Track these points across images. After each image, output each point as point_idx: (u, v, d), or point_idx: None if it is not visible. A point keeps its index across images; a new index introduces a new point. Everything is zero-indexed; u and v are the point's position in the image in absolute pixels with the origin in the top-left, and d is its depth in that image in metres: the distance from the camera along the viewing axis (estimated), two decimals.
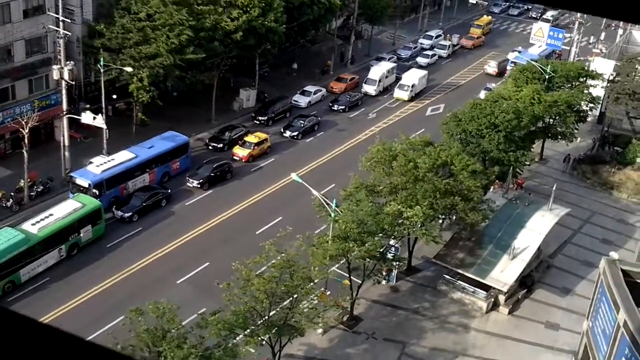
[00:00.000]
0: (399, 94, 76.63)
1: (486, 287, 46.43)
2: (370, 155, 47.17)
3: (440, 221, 50.15)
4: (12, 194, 51.86)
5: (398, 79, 79.82)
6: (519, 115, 53.25)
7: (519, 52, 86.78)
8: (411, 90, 76.36)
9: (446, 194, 44.81)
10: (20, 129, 50.33)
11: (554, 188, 52.21)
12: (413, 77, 77.79)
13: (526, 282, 48.78)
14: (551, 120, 61.69)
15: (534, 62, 66.18)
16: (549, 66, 64.27)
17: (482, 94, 70.29)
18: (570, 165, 64.28)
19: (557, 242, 53.66)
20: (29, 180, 52.23)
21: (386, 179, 46.34)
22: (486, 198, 48.63)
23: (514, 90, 59.37)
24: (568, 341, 44.23)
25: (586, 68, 67.98)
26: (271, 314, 36.75)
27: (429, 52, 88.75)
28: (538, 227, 48.65)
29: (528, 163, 56.04)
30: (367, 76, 77.85)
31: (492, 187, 52.77)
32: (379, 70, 78.10)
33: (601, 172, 64.34)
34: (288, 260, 36.88)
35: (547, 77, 63.23)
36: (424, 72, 79.46)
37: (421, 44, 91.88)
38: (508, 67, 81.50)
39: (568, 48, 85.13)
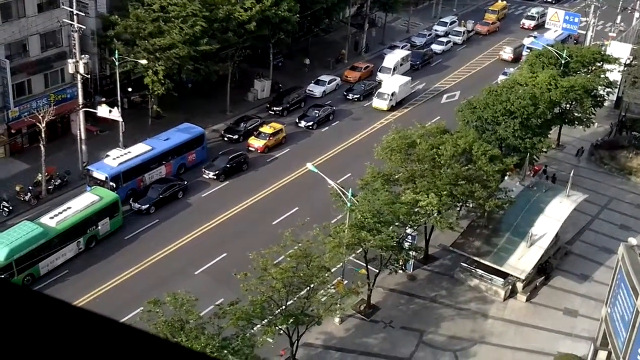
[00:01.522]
0: (378, 103, 70.36)
1: (504, 275, 46.31)
2: (386, 144, 47.08)
3: (458, 209, 50.06)
4: (30, 188, 52.27)
5: (413, 66, 79.51)
6: (535, 101, 52.89)
7: (535, 37, 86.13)
8: (391, 99, 70.31)
9: (466, 180, 44.69)
10: (37, 123, 50.68)
11: (572, 174, 51.87)
12: (393, 84, 71.57)
13: (544, 269, 48.60)
14: (568, 105, 61.23)
15: (549, 47, 65.63)
16: (565, 51, 63.73)
17: (500, 79, 69.91)
18: (582, 157, 63.30)
19: (575, 229, 53.38)
20: (46, 174, 52.60)
21: (403, 167, 46.28)
22: (503, 186, 48.43)
23: (530, 76, 58.95)
24: (587, 328, 44.08)
25: (602, 52, 67.34)
26: (288, 303, 36.88)
27: (444, 39, 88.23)
28: (556, 213, 48.39)
29: (545, 150, 55.72)
30: (381, 64, 77.55)
31: (508, 173, 52.51)
32: (393, 58, 77.74)
33: (619, 157, 63.81)
34: (305, 249, 36.99)
35: (563, 62, 62.71)
36: (406, 79, 73.11)
37: (435, 30, 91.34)
38: (524, 53, 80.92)
39: (584, 32, 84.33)
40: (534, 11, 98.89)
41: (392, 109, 70.21)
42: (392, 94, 70.47)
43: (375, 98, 70.87)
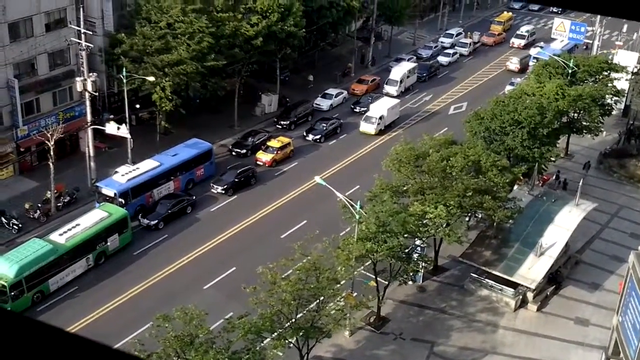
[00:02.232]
0: (365, 127, 67.44)
1: (514, 285, 46.09)
2: (394, 155, 47.11)
3: (467, 219, 49.95)
4: (39, 205, 52.47)
5: (420, 78, 79.62)
6: (542, 111, 52.86)
7: (541, 47, 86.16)
8: (379, 124, 67.52)
9: (475, 192, 44.61)
10: (46, 141, 50.96)
11: (581, 183, 51.74)
12: (381, 107, 68.53)
13: (555, 279, 48.37)
14: (576, 114, 61.17)
15: (556, 57, 65.63)
16: (572, 61, 63.72)
17: (507, 89, 69.92)
18: (589, 171, 62.50)
19: (585, 238, 53.13)
20: (55, 191, 52.82)
21: (412, 179, 46.21)
22: (512, 196, 48.33)
23: (537, 86, 58.95)
24: (598, 337, 43.80)
25: (609, 61, 67.28)
26: (298, 316, 36.81)
27: (450, 51, 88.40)
28: (565, 223, 48.20)
29: (553, 159, 55.61)
30: (388, 77, 77.71)
31: (517, 183, 52.41)
32: (400, 71, 77.89)
33: (628, 166, 63.62)
34: (314, 262, 36.96)
35: (570, 71, 62.68)
36: (395, 102, 70.52)
37: (442, 42, 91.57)
38: (530, 63, 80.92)
39: (590, 42, 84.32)
40: (523, 30, 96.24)
41: (380, 133, 67.67)
42: (380, 118, 67.80)
43: (362, 122, 68.11)
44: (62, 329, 2.11)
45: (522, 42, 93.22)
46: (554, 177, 59.68)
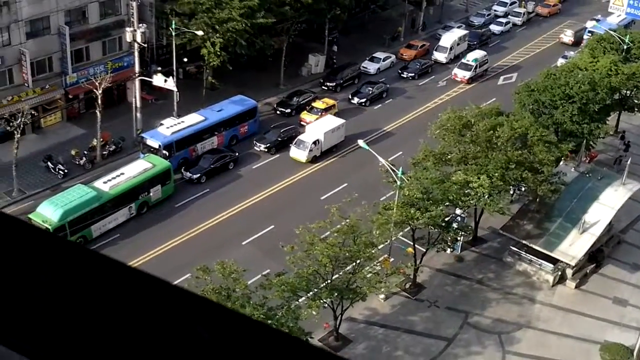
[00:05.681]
0: (296, 153, 55.88)
1: (553, 260, 45.63)
2: (440, 123, 46.65)
3: (511, 192, 49.36)
4: (85, 152, 53.23)
5: (470, 46, 78.27)
6: (594, 86, 51.71)
7: (597, 20, 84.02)
8: (311, 150, 55.73)
9: (518, 165, 44.03)
10: (94, 90, 51.43)
11: (628, 162, 50.74)
12: (318, 130, 56.84)
13: (595, 257, 47.73)
14: (628, 92, 59.76)
15: (612, 32, 63.98)
16: (628, 36, 62.06)
17: (560, 62, 68.50)
18: (620, 166, 59.90)
19: (629, 217, 52.22)
20: (101, 139, 53.46)
21: (456, 148, 45.78)
22: (557, 171, 47.60)
23: (590, 61, 57.62)
24: (636, 317, 43.34)
25: None
26: (334, 277, 36.96)
27: (503, 20, 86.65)
28: (610, 201, 47.41)
29: (602, 136, 54.55)
30: (438, 44, 76.60)
31: (563, 159, 51.58)
32: (450, 38, 76.65)
33: None
34: (352, 225, 36.96)
35: (625, 47, 61.09)
36: (338, 122, 58.30)
37: (495, 11, 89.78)
38: (585, 37, 79.03)
39: None
40: (470, 58, 72.24)
41: (314, 160, 56.07)
42: (316, 142, 56.17)
43: (293, 147, 56.41)
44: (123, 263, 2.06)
45: (467, 74, 70.84)
46: (619, 137, 58.82)
